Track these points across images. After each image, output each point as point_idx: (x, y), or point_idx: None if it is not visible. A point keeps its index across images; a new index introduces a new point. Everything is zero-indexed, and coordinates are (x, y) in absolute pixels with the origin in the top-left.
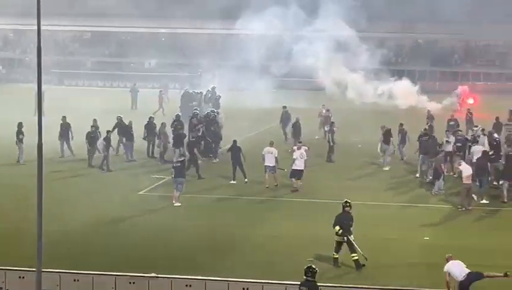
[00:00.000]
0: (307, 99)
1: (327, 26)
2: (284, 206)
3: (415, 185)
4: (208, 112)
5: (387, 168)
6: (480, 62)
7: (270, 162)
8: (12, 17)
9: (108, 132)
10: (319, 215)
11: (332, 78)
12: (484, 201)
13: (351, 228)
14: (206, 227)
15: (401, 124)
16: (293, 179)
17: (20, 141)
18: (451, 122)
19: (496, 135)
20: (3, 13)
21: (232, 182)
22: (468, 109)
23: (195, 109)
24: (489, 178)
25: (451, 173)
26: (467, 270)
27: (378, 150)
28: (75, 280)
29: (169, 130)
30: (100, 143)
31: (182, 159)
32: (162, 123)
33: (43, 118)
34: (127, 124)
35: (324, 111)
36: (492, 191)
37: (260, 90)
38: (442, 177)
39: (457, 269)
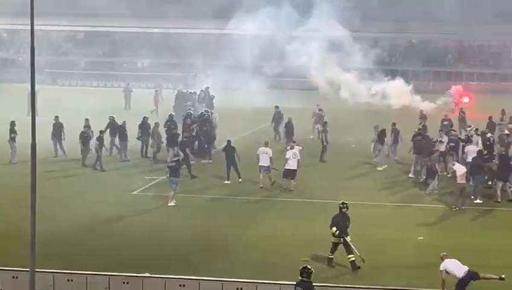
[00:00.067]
0: (300, 99)
1: (320, 26)
2: (278, 206)
3: (409, 185)
4: (201, 112)
5: (381, 168)
6: (474, 62)
7: (264, 162)
8: (5, 17)
9: (101, 131)
10: (313, 215)
11: (325, 78)
12: (478, 201)
13: (348, 229)
14: (200, 227)
15: (394, 124)
16: (284, 179)
17: (12, 139)
18: (445, 122)
19: (489, 135)
20: None
21: (226, 182)
22: (461, 108)
23: (188, 109)
24: (484, 178)
25: (445, 173)
26: (466, 267)
27: (371, 150)
28: (68, 280)
29: (162, 130)
30: (93, 143)
31: (177, 158)
32: (155, 123)
33: (36, 117)
34: (120, 124)
35: (317, 110)
36: (486, 191)
37: (253, 90)
38: (436, 177)
39: (456, 266)
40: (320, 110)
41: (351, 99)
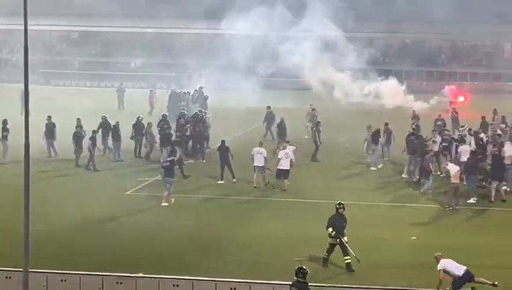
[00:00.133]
0: (293, 99)
1: (314, 26)
2: (272, 206)
3: (402, 185)
4: (195, 112)
5: (374, 168)
6: (467, 62)
7: (259, 162)
8: None
9: (94, 131)
10: (306, 215)
11: (319, 78)
12: (472, 201)
13: (345, 230)
14: (194, 227)
15: (386, 124)
16: (277, 179)
17: (4, 138)
18: (439, 122)
19: (482, 135)
20: None
21: (219, 182)
22: (454, 108)
23: (182, 109)
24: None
25: (439, 173)
26: (464, 267)
27: (364, 150)
28: (62, 280)
29: (156, 130)
30: (86, 142)
31: (171, 158)
32: (148, 123)
33: (29, 117)
34: (113, 124)
35: (310, 110)
36: (479, 191)
37: (247, 90)
38: (430, 177)
39: (454, 266)
40: (313, 110)
41: (344, 99)
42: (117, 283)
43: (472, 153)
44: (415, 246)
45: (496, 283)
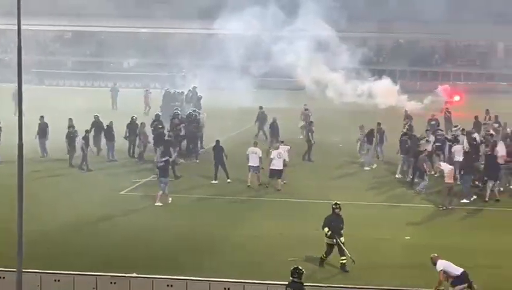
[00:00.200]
0: (287, 99)
1: (307, 26)
2: (265, 206)
3: (396, 185)
4: (189, 112)
5: (368, 168)
6: (461, 62)
7: (254, 162)
8: None
9: (86, 131)
10: (300, 215)
11: (312, 78)
12: (465, 200)
13: (342, 231)
14: (188, 227)
15: (379, 124)
16: (271, 179)
17: None
18: (432, 122)
19: (476, 135)
20: None
21: (213, 181)
22: (447, 108)
23: (176, 109)
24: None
25: (432, 173)
26: (461, 269)
27: (357, 151)
28: (55, 280)
29: (149, 130)
30: (79, 142)
31: (166, 158)
32: (141, 123)
33: (22, 117)
34: (107, 124)
35: (304, 110)
36: (473, 190)
37: (240, 90)
38: (426, 177)
39: (453, 266)
40: (306, 109)
41: (337, 99)
42: (111, 283)
43: (466, 153)
44: (409, 246)
45: None
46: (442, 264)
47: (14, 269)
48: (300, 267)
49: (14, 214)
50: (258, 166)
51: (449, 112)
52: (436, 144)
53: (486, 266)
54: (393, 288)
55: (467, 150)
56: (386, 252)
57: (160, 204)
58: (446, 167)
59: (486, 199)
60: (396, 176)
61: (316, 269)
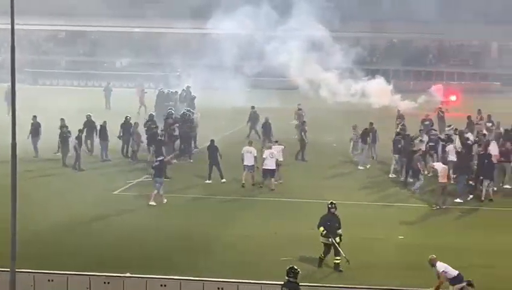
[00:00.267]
0: (281, 99)
1: (300, 26)
2: (259, 206)
3: (390, 185)
4: (183, 112)
5: (362, 168)
6: (454, 62)
7: (249, 161)
8: None
9: (80, 130)
10: (294, 215)
11: (305, 78)
12: (458, 200)
13: (339, 230)
14: (182, 227)
15: (371, 123)
16: (264, 179)
17: None
18: (426, 122)
19: (469, 135)
20: None
21: (207, 181)
22: (440, 108)
23: (170, 109)
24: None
25: (425, 172)
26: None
27: (350, 150)
28: (49, 280)
29: (142, 130)
30: (72, 141)
31: (162, 158)
32: (134, 123)
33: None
34: (101, 123)
35: (297, 110)
36: (466, 190)
37: (234, 89)
38: (421, 176)
39: (448, 267)
40: (300, 109)
41: (331, 99)
42: (104, 282)
43: (460, 153)
44: (402, 246)
45: None
46: (442, 266)
47: (8, 269)
48: (295, 267)
49: (8, 214)
50: (253, 165)
51: (442, 112)
52: (430, 143)
53: (480, 265)
54: (387, 288)
55: (459, 150)
56: (379, 252)
57: (154, 204)
58: (440, 167)
59: (482, 199)
60: (390, 175)
61: (309, 268)
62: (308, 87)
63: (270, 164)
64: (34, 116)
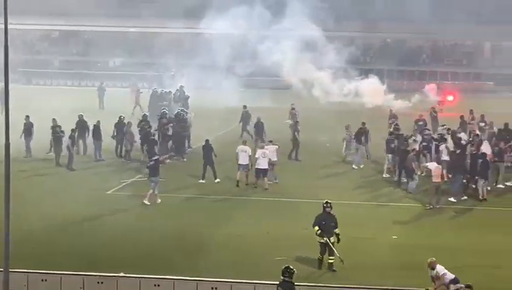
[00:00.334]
0: (274, 99)
1: (293, 26)
2: (253, 206)
3: (383, 184)
4: (177, 112)
5: (356, 167)
6: (448, 62)
7: (243, 160)
8: None
9: (72, 130)
10: (288, 215)
11: (299, 77)
12: (452, 199)
13: (336, 230)
14: (175, 226)
15: (363, 123)
16: (257, 178)
17: None
18: (420, 123)
19: (462, 135)
20: None
21: (201, 181)
22: (433, 108)
23: (163, 109)
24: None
25: (419, 172)
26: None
27: (343, 150)
28: (42, 280)
29: (136, 130)
30: (65, 141)
31: (156, 158)
32: (128, 122)
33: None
34: (94, 123)
35: (291, 109)
36: (461, 190)
37: (227, 89)
38: (415, 176)
39: (446, 270)
40: (293, 108)
41: (324, 98)
42: (98, 282)
43: (454, 153)
44: (396, 245)
45: None
46: (442, 269)
47: (1, 269)
48: (291, 267)
49: (1, 214)
50: (247, 164)
51: (435, 112)
52: (423, 143)
53: (474, 265)
54: (381, 287)
55: (452, 150)
56: (373, 252)
57: (148, 203)
58: (433, 166)
59: (481, 198)
60: (384, 175)
61: (304, 268)
62: (302, 87)
63: (262, 164)
64: (27, 116)
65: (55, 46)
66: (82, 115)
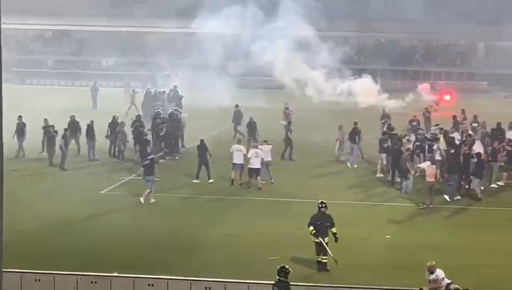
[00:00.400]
0: (267, 98)
1: (287, 25)
2: (247, 205)
3: (377, 184)
4: (171, 111)
5: (350, 167)
6: (441, 61)
7: (238, 159)
8: None
9: (65, 130)
10: (282, 214)
11: (292, 77)
12: (446, 197)
13: (333, 229)
14: (169, 226)
15: (355, 123)
16: (250, 178)
17: None
18: (414, 123)
19: (456, 134)
20: None
21: (194, 181)
22: (426, 108)
23: (157, 108)
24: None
25: (412, 172)
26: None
27: (336, 150)
28: (36, 280)
29: (129, 130)
30: (58, 141)
31: (152, 157)
32: (121, 122)
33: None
34: (88, 123)
35: (285, 109)
36: (455, 189)
37: (221, 89)
38: (410, 176)
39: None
40: (287, 108)
41: (317, 98)
42: (92, 282)
43: (448, 152)
44: (390, 245)
45: None
46: (442, 273)
47: None
48: (287, 267)
49: None
50: (242, 164)
51: (428, 112)
52: (417, 143)
53: (467, 264)
54: (375, 287)
55: (446, 149)
56: (366, 251)
57: (143, 202)
58: (428, 167)
59: (479, 196)
60: (377, 175)
61: (298, 268)
62: (295, 87)
63: (255, 163)
64: (20, 116)
65: (49, 46)
66: (74, 116)
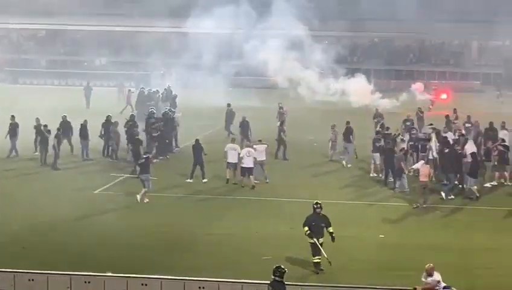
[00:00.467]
0: (261, 98)
1: (280, 25)
2: (241, 205)
3: (371, 184)
4: (165, 111)
5: (345, 165)
6: (435, 61)
7: (233, 158)
8: None
9: (58, 129)
10: (275, 214)
11: (285, 76)
12: (443, 195)
13: (330, 229)
14: (163, 226)
15: (348, 122)
16: (243, 177)
17: None
18: (408, 123)
19: (449, 134)
20: None
21: (188, 180)
22: (419, 108)
23: (151, 108)
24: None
25: (406, 172)
26: None
27: (329, 150)
28: (29, 280)
29: (122, 130)
30: (51, 140)
31: (147, 155)
32: (114, 122)
33: None
34: (82, 122)
35: (279, 109)
36: (448, 189)
37: (214, 88)
38: (404, 176)
39: None
40: (281, 108)
41: (311, 97)
42: (85, 282)
43: (443, 152)
44: (383, 244)
45: None
46: (439, 275)
47: None
48: (282, 266)
49: None
50: (236, 163)
51: (421, 112)
52: (410, 143)
53: (460, 264)
54: (368, 287)
55: (440, 149)
56: (360, 251)
57: (139, 201)
58: (422, 166)
59: (478, 195)
60: (371, 174)
61: (292, 268)
62: (288, 86)
63: (247, 162)
64: (12, 116)
65: (42, 46)
66: (66, 116)
